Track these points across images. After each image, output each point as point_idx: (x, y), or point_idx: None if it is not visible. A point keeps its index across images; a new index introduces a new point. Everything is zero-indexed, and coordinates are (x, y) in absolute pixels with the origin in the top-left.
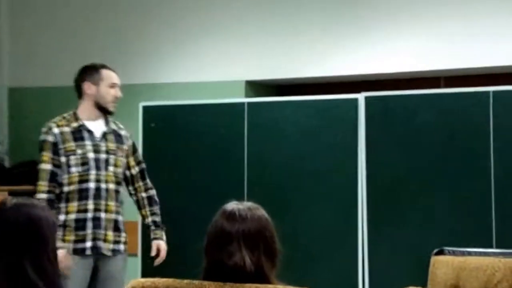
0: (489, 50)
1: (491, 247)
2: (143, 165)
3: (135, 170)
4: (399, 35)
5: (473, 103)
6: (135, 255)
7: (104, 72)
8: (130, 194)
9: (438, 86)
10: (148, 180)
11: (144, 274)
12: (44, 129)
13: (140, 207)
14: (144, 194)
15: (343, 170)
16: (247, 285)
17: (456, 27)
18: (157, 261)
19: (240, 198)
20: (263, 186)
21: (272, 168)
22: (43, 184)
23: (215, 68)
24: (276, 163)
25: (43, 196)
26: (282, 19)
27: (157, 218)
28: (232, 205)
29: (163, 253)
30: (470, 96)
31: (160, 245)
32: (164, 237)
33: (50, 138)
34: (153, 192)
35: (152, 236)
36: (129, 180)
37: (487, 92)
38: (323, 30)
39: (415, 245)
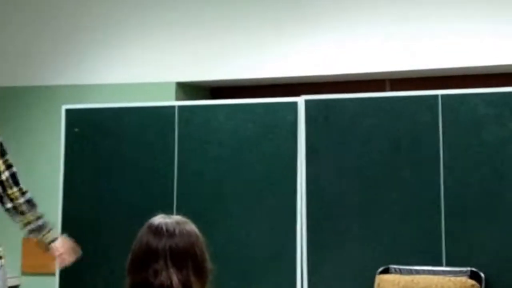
0: (437, 51)
1: (440, 264)
2: (14, 169)
3: (5, 176)
4: (342, 34)
5: (420, 108)
6: (53, 274)
7: None
8: (2, 204)
9: (384, 89)
10: (22, 185)
11: None
12: None
13: (22, 212)
14: (22, 200)
15: (281, 181)
16: None
17: (402, 28)
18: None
19: (168, 212)
20: (194, 198)
21: (204, 178)
22: None
23: (143, 68)
24: (209, 173)
25: None
26: (216, 16)
27: (46, 219)
28: (159, 219)
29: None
30: (418, 100)
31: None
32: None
33: None
34: (29, 194)
35: (49, 238)
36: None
37: (435, 96)
38: (261, 29)
39: (359, 263)
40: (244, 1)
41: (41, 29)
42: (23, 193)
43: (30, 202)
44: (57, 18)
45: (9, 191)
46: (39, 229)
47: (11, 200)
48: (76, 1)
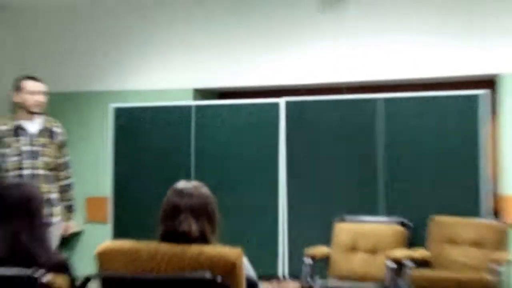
0: (380, 65)
1: (380, 216)
2: (67, 158)
3: (60, 161)
4: (312, 52)
5: (367, 107)
6: (105, 223)
7: (25, 83)
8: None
9: (340, 94)
10: (69, 170)
11: (114, 238)
12: None
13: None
14: (62, 182)
15: (268, 159)
16: (193, 246)
17: (354, 47)
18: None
19: (188, 179)
20: (206, 170)
21: (214, 157)
22: None
23: (169, 77)
24: (217, 153)
25: None
26: (222, 40)
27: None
28: (181, 184)
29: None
30: (365, 101)
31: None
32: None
33: None
34: (69, 181)
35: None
36: (57, 168)
37: (377, 99)
38: (255, 50)
39: (324, 214)
40: (244, 31)
41: (92, 48)
42: (66, 177)
43: (66, 186)
44: (104, 40)
45: (59, 173)
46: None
47: (58, 179)
48: (115, 28)
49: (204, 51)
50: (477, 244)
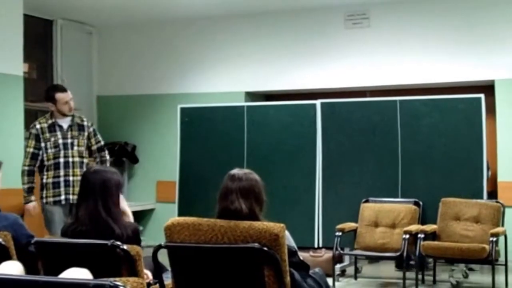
0: (396, 73)
1: (397, 197)
2: (101, 143)
3: (94, 147)
4: (340, 63)
5: (387, 107)
6: (174, 202)
7: (57, 96)
8: (94, 160)
9: (365, 96)
10: (104, 153)
11: (179, 215)
12: (31, 126)
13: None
14: (98, 160)
15: (307, 149)
16: (244, 221)
17: (372, 58)
18: None
19: (241, 166)
20: (256, 158)
21: (262, 147)
22: (26, 161)
23: (225, 83)
24: (264, 145)
25: (25, 168)
26: (269, 52)
27: None
28: (234, 170)
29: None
30: (385, 103)
31: None
32: None
33: (34, 131)
34: (105, 159)
35: None
36: (92, 153)
37: (396, 101)
38: (296, 59)
39: (352, 196)
40: (286, 44)
41: (168, 58)
42: (101, 158)
43: (102, 163)
44: (172, 52)
45: (95, 155)
46: None
47: (94, 160)
48: (183, 44)
49: (253, 61)
50: (477, 220)
